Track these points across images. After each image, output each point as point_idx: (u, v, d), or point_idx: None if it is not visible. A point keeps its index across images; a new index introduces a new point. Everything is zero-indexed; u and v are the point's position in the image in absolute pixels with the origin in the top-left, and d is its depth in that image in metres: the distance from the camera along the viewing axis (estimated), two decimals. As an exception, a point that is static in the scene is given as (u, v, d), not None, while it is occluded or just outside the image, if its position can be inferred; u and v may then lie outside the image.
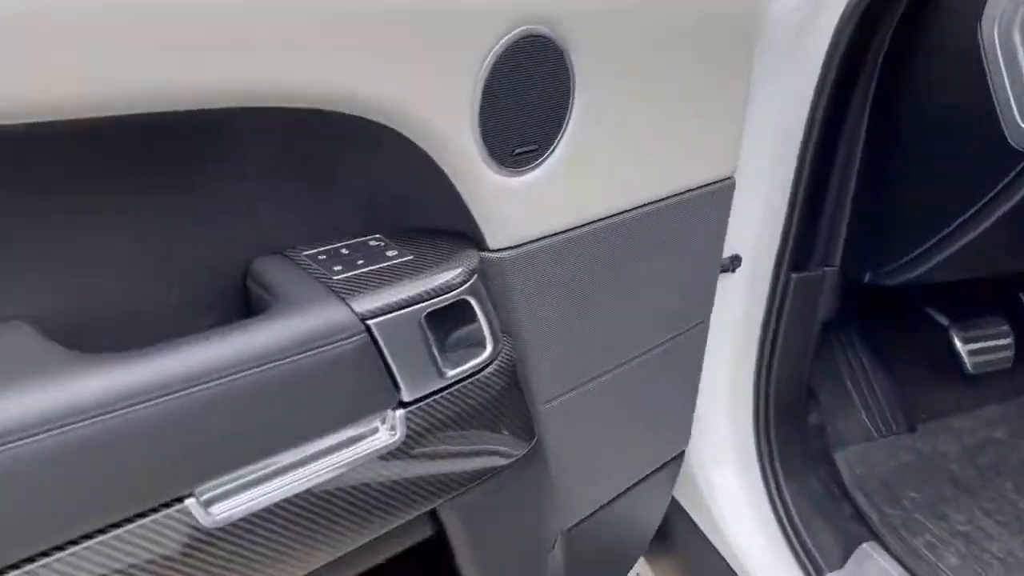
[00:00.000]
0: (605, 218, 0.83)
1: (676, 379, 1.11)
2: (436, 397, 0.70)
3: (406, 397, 0.67)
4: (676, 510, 1.47)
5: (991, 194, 1.05)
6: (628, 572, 1.33)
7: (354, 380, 0.63)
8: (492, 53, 0.66)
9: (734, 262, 1.23)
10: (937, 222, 1.13)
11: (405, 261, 0.70)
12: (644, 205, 0.87)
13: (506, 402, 0.79)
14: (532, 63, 0.69)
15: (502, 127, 0.70)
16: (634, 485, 1.11)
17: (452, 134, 0.66)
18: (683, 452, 1.17)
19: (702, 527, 1.44)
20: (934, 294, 1.47)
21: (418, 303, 0.66)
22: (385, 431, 0.67)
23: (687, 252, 0.98)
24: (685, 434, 1.16)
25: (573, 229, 0.81)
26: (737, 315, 1.26)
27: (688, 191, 0.92)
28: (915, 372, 1.62)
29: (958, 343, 1.55)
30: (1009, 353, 1.57)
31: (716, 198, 0.98)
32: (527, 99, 0.71)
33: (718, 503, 1.39)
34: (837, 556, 1.33)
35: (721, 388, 1.35)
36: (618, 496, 1.09)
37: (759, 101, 1.03)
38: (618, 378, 0.97)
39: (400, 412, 0.67)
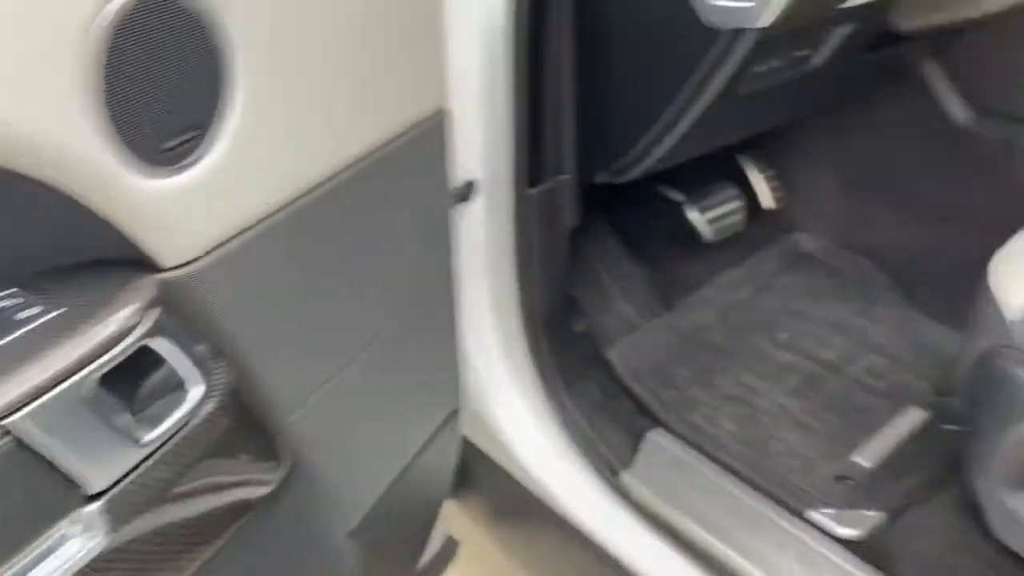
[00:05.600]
0: (302, 195, 0.71)
1: (432, 333, 1.04)
2: (140, 471, 0.56)
3: (93, 489, 0.53)
4: (474, 454, 1.43)
5: (697, 76, 1.04)
6: (430, 535, 1.28)
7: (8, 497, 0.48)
8: (100, 22, 0.50)
9: (469, 188, 1.16)
10: (652, 113, 1.12)
11: (51, 319, 0.54)
12: (347, 168, 0.75)
13: (237, 437, 0.67)
14: (161, 29, 0.54)
15: (139, 119, 0.55)
16: (417, 455, 1.04)
17: (66, 142, 0.51)
18: (457, 409, 1.11)
19: (499, 462, 1.41)
20: (667, 174, 1.48)
21: (77, 372, 0.52)
22: (78, 539, 0.53)
23: (409, 200, 0.88)
24: (454, 388, 1.09)
25: (266, 218, 0.68)
26: (485, 242, 1.21)
27: (394, 139, 0.81)
28: (662, 252, 1.66)
29: (694, 215, 1.59)
30: (740, 216, 1.64)
31: (429, 136, 0.89)
32: (166, 78, 0.56)
33: (507, 434, 1.36)
34: (628, 452, 1.35)
35: (487, 322, 1.29)
36: (402, 473, 1.01)
37: (456, 22, 0.94)
38: (368, 359, 0.87)
39: (91, 508, 0.53)
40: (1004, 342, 0.97)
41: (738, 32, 0.93)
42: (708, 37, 0.95)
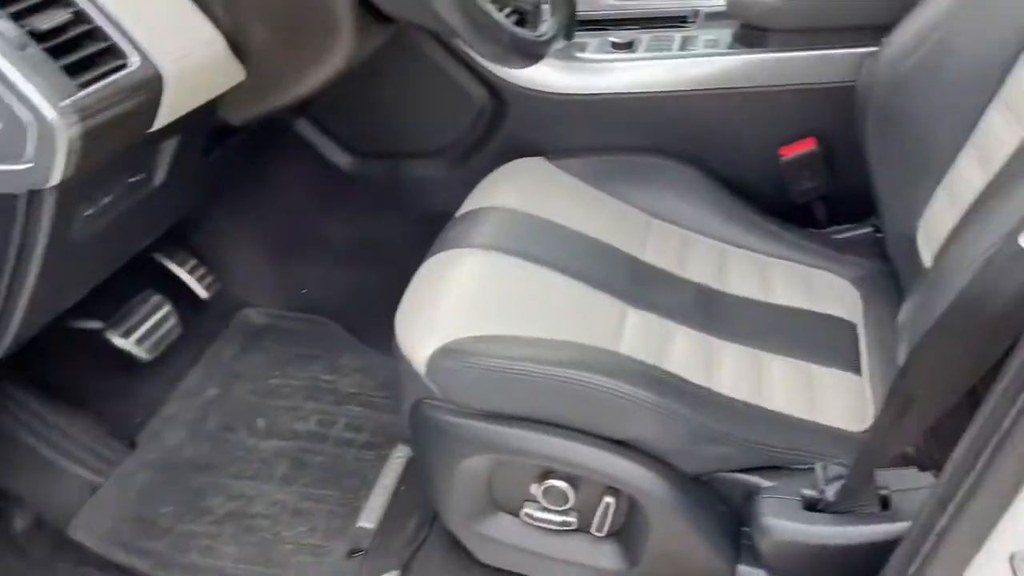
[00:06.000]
0: None
1: None
2: None
3: None
4: None
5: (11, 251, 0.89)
6: None
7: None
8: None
9: None
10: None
11: None
12: None
13: None
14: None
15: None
16: None
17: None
18: None
19: None
20: (82, 305, 1.30)
21: None
22: None
23: None
24: None
25: None
26: None
27: None
28: (102, 390, 1.48)
29: (120, 340, 1.44)
30: (173, 321, 1.53)
31: None
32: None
33: None
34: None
35: None
36: None
37: None
38: None
39: None
40: (425, 395, 1.03)
41: (34, 193, 0.81)
42: (3, 206, 0.82)
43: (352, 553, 1.27)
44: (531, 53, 1.00)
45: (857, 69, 1.28)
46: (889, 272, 1.26)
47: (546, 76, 1.43)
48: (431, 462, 1.06)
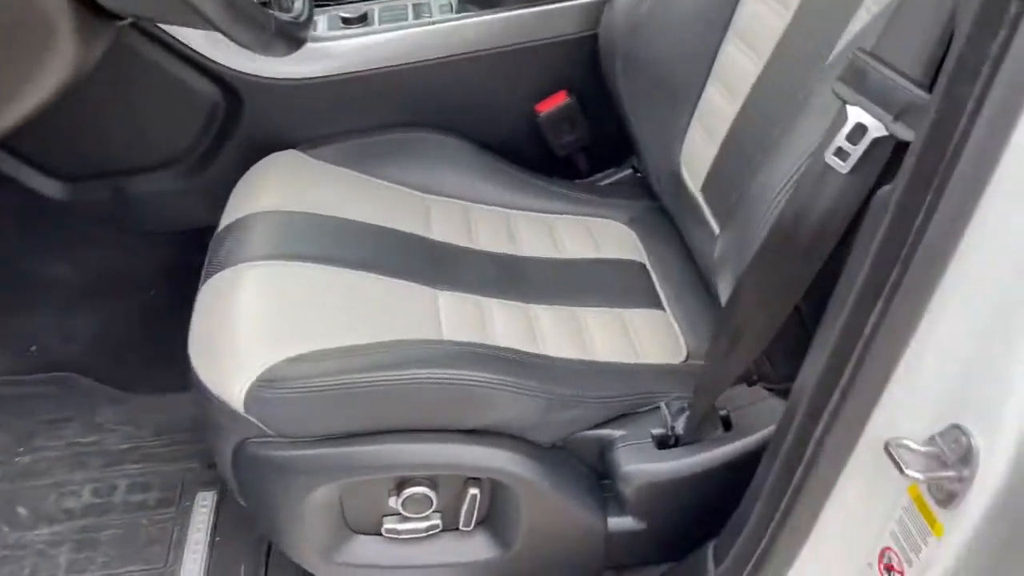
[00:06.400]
0: None
1: None
2: None
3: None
4: None
5: None
6: None
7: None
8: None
9: None
10: None
11: None
12: None
13: None
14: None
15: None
16: None
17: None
18: None
19: None
20: None
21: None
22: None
23: None
24: None
25: None
26: None
27: None
28: None
29: None
30: None
31: None
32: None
33: None
34: None
35: None
36: None
37: None
38: None
39: None
40: (248, 434, 0.91)
41: None
42: None
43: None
44: (295, 37, 0.90)
45: (593, 18, 1.32)
46: (657, 208, 1.33)
47: (280, 63, 1.32)
48: (270, 504, 0.95)
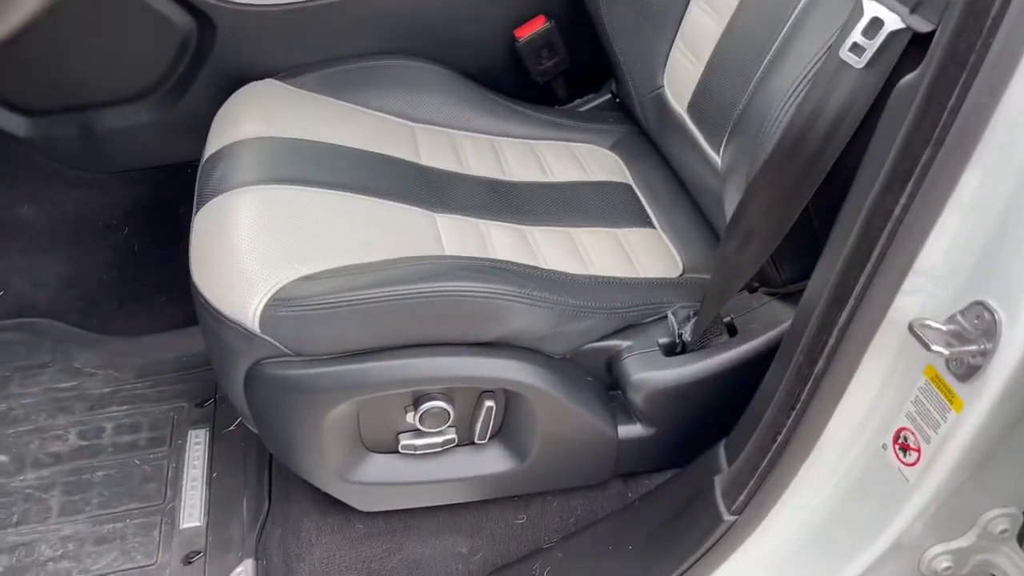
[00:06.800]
0: None
1: None
2: None
3: None
4: None
5: None
6: None
7: None
8: None
9: None
10: None
11: None
12: None
13: None
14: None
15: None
16: None
17: None
18: None
19: None
20: None
21: None
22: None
23: None
24: None
25: None
26: None
27: None
28: None
29: None
30: None
31: None
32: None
33: None
34: None
35: None
36: None
37: None
38: None
39: None
40: (264, 355, 0.91)
41: None
42: None
43: (188, 559, 1.11)
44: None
45: (571, -59, 1.32)
46: (638, 132, 1.35)
47: (254, -12, 1.28)
48: (286, 426, 0.95)
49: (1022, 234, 0.62)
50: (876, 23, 0.73)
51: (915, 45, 0.72)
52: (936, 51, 0.63)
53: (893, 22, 0.72)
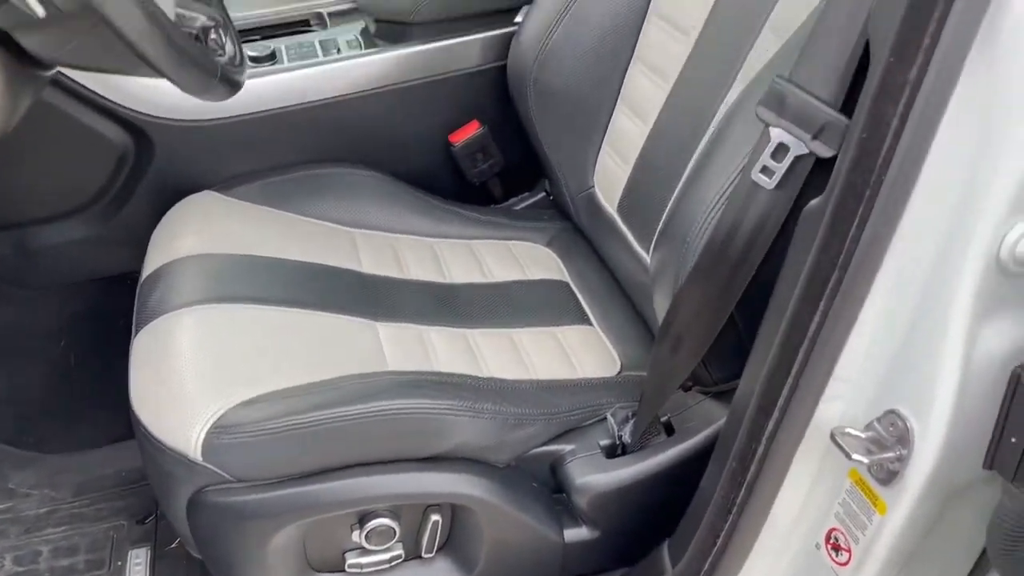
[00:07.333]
0: None
1: None
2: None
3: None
4: None
5: None
6: None
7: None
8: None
9: None
10: None
11: None
12: None
13: None
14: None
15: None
16: None
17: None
18: None
19: None
20: None
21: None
22: None
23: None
24: None
25: None
26: None
27: None
28: None
29: None
30: None
31: None
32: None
33: None
34: None
35: None
36: None
37: None
38: None
39: None
40: (206, 482, 0.90)
41: None
42: None
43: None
44: (235, 81, 0.90)
45: (500, 50, 1.37)
46: (573, 228, 1.39)
47: (190, 103, 1.29)
48: (230, 552, 0.94)
49: (926, 348, 0.66)
50: (782, 148, 0.78)
51: (822, 165, 0.77)
52: (836, 181, 0.68)
53: (797, 147, 0.77)
